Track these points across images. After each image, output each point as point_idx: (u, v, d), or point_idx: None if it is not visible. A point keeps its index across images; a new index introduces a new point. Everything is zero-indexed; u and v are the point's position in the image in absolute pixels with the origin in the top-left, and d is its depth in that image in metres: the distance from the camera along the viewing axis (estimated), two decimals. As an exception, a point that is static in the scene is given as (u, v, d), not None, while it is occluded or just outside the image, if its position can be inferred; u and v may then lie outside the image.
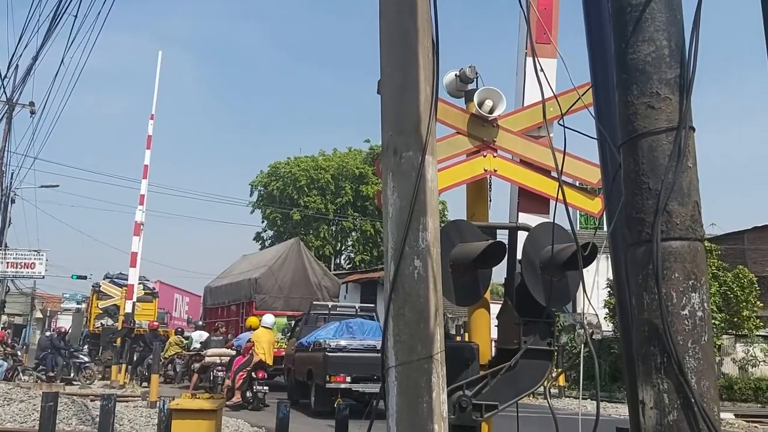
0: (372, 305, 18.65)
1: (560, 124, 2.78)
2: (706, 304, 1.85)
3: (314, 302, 18.13)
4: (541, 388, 5.43)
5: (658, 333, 1.83)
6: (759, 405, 19.57)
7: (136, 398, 15.83)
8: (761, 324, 22.76)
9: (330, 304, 18.36)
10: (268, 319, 15.61)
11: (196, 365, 17.56)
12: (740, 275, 21.98)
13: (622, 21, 2.08)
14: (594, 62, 2.99)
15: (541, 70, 6.12)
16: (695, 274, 1.86)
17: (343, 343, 14.05)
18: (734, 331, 21.40)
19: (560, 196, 3.51)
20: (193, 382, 17.05)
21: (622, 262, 2.58)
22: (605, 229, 3.18)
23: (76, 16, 11.00)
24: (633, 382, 2.34)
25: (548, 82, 2.97)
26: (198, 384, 16.88)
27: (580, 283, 5.43)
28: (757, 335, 22.16)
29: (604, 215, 2.85)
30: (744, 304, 21.53)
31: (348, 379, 13.50)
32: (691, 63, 1.99)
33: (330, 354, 13.78)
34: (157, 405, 6.46)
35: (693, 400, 1.76)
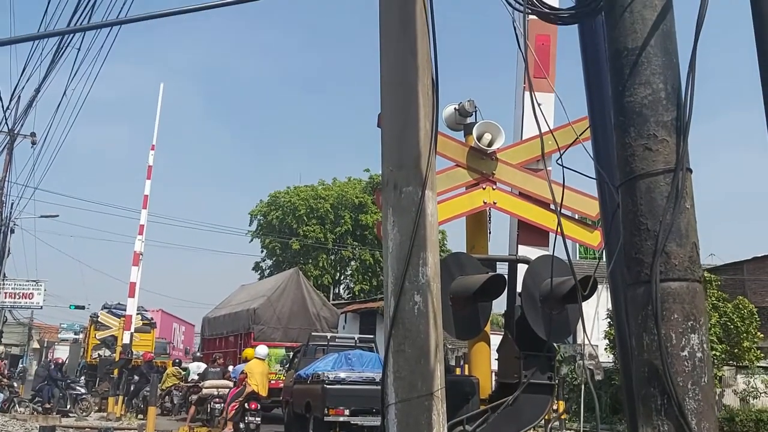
0: (371, 336, 18.52)
1: (558, 163, 2.82)
2: (705, 345, 1.86)
3: (313, 333, 17.99)
4: (542, 422, 5.40)
5: (658, 374, 1.84)
6: (761, 438, 19.34)
7: (132, 431, 15.66)
8: (762, 355, 22.59)
9: (329, 335, 18.21)
10: (261, 350, 15.58)
11: (194, 397, 17.37)
12: (740, 306, 21.87)
13: (619, 64, 2.12)
14: (592, 102, 3.03)
15: (539, 105, 6.19)
16: (694, 315, 1.87)
17: (342, 375, 13.85)
18: (735, 363, 21.22)
19: (559, 231, 3.54)
20: (190, 414, 16.85)
21: (622, 301, 2.59)
22: (605, 263, 3.20)
23: (79, 49, 11.10)
24: (633, 419, 2.34)
25: (545, 118, 3.00)
26: (195, 416, 16.69)
27: (580, 317, 5.43)
28: (758, 366, 21.97)
29: (604, 252, 2.87)
30: (744, 335, 21.38)
31: (347, 412, 13.27)
32: (687, 106, 2.02)
33: (329, 386, 13.57)
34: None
35: (694, 442, 1.76)
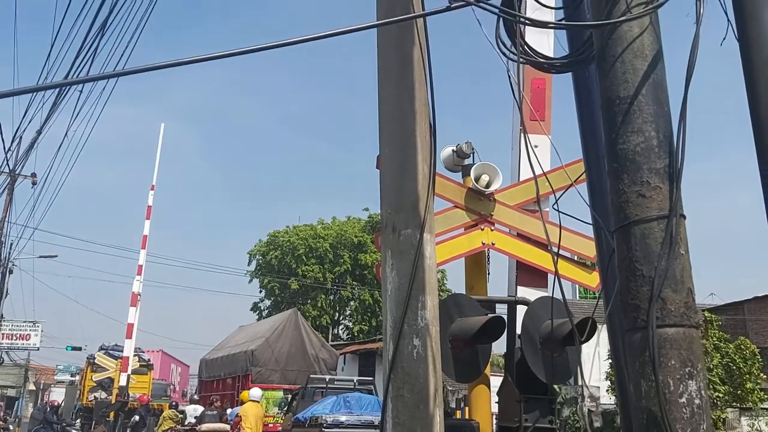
0: (371, 378, 18.35)
1: (554, 209, 2.84)
2: (703, 392, 1.85)
3: (311, 375, 17.84)
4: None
5: (657, 421, 1.83)
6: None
7: (127, 476, 15.39)
8: (766, 396, 22.33)
9: (327, 377, 18.05)
10: (256, 392, 15.65)
11: (189, 439, 17.13)
12: (742, 346, 21.70)
13: (612, 112, 2.16)
14: (586, 146, 3.08)
15: (535, 146, 6.25)
16: (691, 361, 1.88)
17: (341, 418, 13.77)
18: (738, 404, 20.97)
19: (564, 270, 3.55)
20: (187, 459, 16.59)
21: (621, 346, 2.59)
22: (603, 306, 3.20)
23: (81, 91, 11.23)
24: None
25: (539, 161, 3.04)
26: None
27: (583, 356, 5.40)
28: (762, 408, 21.70)
29: (602, 297, 2.88)
30: (747, 376, 21.17)
31: None
32: (679, 153, 2.06)
33: (327, 430, 13.53)
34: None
35: (695, 491, 1.74)
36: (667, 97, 2.16)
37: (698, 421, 1.82)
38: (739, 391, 20.87)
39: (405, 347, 3.42)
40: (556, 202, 2.85)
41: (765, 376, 22.96)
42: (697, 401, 1.84)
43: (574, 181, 2.88)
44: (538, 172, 5.49)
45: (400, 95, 3.66)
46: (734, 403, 21.01)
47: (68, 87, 10.62)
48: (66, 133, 13.78)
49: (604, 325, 3.68)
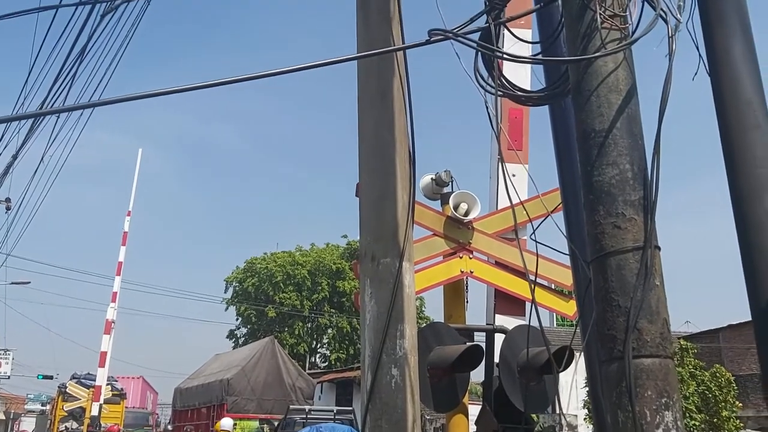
0: (350, 408, 18.29)
1: (532, 239, 2.87)
2: (679, 422, 1.87)
3: (291, 406, 17.78)
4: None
5: (635, 452, 1.84)
6: None
7: None
8: (741, 425, 22.45)
9: (307, 408, 17.98)
10: (226, 422, 15.87)
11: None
12: (717, 374, 21.87)
13: (588, 145, 2.21)
14: (563, 177, 3.13)
15: (513, 175, 6.32)
16: (668, 391, 1.89)
17: None
18: (715, 432, 21.05)
19: (542, 298, 3.57)
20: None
21: (598, 376, 2.61)
22: (580, 335, 3.22)
23: (58, 117, 11.15)
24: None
25: (516, 191, 3.07)
26: None
27: (560, 385, 5.41)
28: (738, 436, 21.81)
29: (579, 326, 2.90)
30: (723, 404, 21.31)
31: None
32: (653, 185, 2.10)
33: None
34: None
35: None
36: (641, 130, 2.21)
37: (675, 453, 1.83)
38: (715, 419, 20.98)
39: (383, 377, 3.40)
40: (534, 231, 2.88)
41: (740, 404, 23.12)
42: (673, 431, 1.85)
43: (552, 211, 2.91)
44: (515, 200, 5.53)
45: (379, 124, 3.69)
46: (710, 431, 21.08)
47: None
48: (42, 159, 13.63)
49: (581, 354, 3.70)
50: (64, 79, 6.80)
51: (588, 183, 2.18)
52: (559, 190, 3.20)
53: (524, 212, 6.29)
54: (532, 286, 2.57)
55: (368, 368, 3.44)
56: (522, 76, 3.84)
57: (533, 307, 3.91)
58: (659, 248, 2.06)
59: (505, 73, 3.07)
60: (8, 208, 26.38)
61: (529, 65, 5.16)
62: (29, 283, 29.23)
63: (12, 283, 28.75)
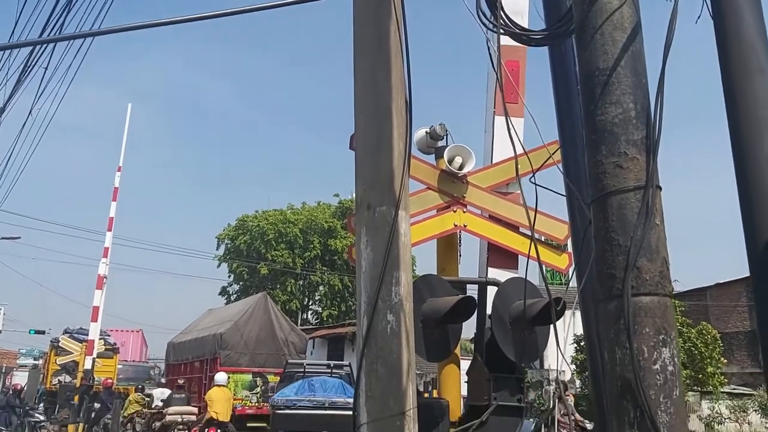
0: (347, 363, 18.66)
1: (531, 182, 2.86)
2: (676, 359, 1.89)
3: (289, 361, 18.13)
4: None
5: (631, 387, 1.86)
6: (725, 463, 19.59)
7: (93, 459, 15.23)
8: (726, 381, 22.96)
9: (305, 362, 18.33)
10: (220, 377, 16.07)
11: (157, 424, 16.99)
12: (704, 332, 22.27)
13: (591, 84, 2.17)
14: (562, 123, 3.10)
15: (514, 129, 6.29)
16: (665, 329, 1.90)
17: (292, 400, 14.52)
18: (699, 388, 21.52)
19: (532, 252, 3.58)
20: (153, 443, 16.47)
21: (593, 317, 2.63)
22: (573, 284, 3.24)
23: (46, 68, 10.94)
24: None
25: (519, 139, 3.05)
26: None
27: (550, 338, 5.47)
28: (722, 392, 22.31)
29: (574, 271, 2.91)
30: (708, 360, 21.75)
31: None
32: (656, 124, 2.08)
33: (277, 412, 14.47)
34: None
35: (666, 455, 1.78)
36: (645, 69, 2.18)
37: (671, 387, 1.85)
38: (700, 375, 21.43)
39: (379, 323, 3.42)
40: (533, 174, 2.86)
41: (725, 361, 23.60)
42: (670, 368, 1.87)
43: (552, 154, 2.89)
44: (515, 150, 5.50)
45: (375, 70, 3.63)
46: (695, 387, 21.55)
47: (34, 62, 10.34)
48: (30, 112, 13.45)
49: (570, 312, 3.73)
50: (52, 28, 6.66)
51: (590, 122, 2.16)
52: (558, 137, 3.18)
53: (520, 165, 6.28)
54: (532, 227, 2.56)
55: (364, 314, 3.46)
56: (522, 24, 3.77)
57: (528, 259, 3.92)
58: (660, 188, 2.05)
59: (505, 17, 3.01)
60: (-4, 163, 26.18)
61: (527, 13, 5.09)
62: (19, 238, 29.16)
63: (2, 239, 28.66)
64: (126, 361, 26.31)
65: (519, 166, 5.46)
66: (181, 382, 18.79)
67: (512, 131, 2.73)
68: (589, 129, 2.17)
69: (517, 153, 2.96)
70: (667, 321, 1.92)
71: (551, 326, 5.39)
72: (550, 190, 2.99)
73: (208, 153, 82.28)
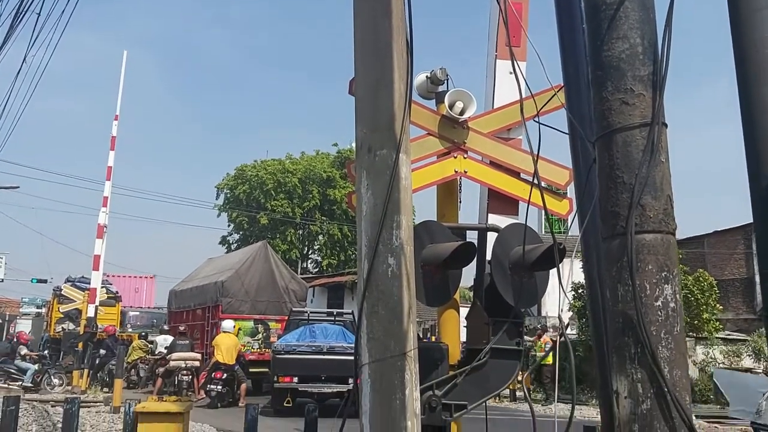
0: (349, 311, 18.97)
1: (536, 121, 2.81)
2: (678, 296, 1.89)
3: (293, 308, 18.46)
4: (518, 392, 5.47)
5: (632, 324, 1.87)
6: (718, 406, 20.01)
7: (98, 403, 15.54)
8: (721, 326, 23.30)
9: (308, 310, 18.65)
10: (227, 324, 16.69)
11: (161, 369, 17.33)
12: (700, 279, 22.49)
13: (597, 19, 2.12)
14: (566, 61, 3.04)
15: (510, 72, 6.19)
16: (668, 266, 1.90)
17: (292, 345, 14.89)
18: (694, 334, 21.84)
19: (535, 197, 3.58)
20: (157, 386, 16.80)
21: (594, 256, 2.63)
22: (573, 228, 3.23)
23: (39, 14, 10.72)
24: (604, 374, 2.39)
25: (525, 80, 2.99)
26: (162, 389, 16.65)
27: (547, 285, 5.51)
28: (716, 338, 22.67)
29: (576, 214, 2.90)
30: (704, 307, 22.02)
31: (295, 379, 14.48)
32: (663, 60, 2.04)
33: (277, 356, 14.87)
34: (122, 408, 6.35)
35: (666, 389, 1.80)
36: (653, 3, 2.12)
37: (672, 323, 1.86)
38: (695, 321, 21.72)
39: (380, 266, 3.43)
40: (537, 114, 2.81)
41: (721, 307, 23.90)
42: (672, 304, 1.87)
43: (554, 95, 2.85)
44: (514, 96, 5.41)
45: (375, 9, 3.55)
46: (690, 333, 21.86)
47: (26, 8, 10.13)
48: (24, 59, 13.24)
49: (568, 258, 3.73)
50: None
51: (596, 58, 2.11)
52: (562, 75, 3.12)
53: (522, 110, 6.20)
54: (536, 162, 2.54)
55: (365, 257, 3.46)
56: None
57: (528, 204, 3.90)
58: (666, 125, 2.02)
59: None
60: (-8, 112, 25.92)
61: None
62: (18, 187, 29.12)
63: (0, 188, 28.63)
64: (141, 307, 26.51)
65: (523, 110, 5.39)
66: (182, 329, 19.09)
67: (513, 75, 2.68)
68: (594, 65, 2.12)
69: (522, 95, 2.91)
70: (669, 258, 1.91)
71: (550, 271, 5.43)
72: (554, 129, 2.95)
73: (206, 102, 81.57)
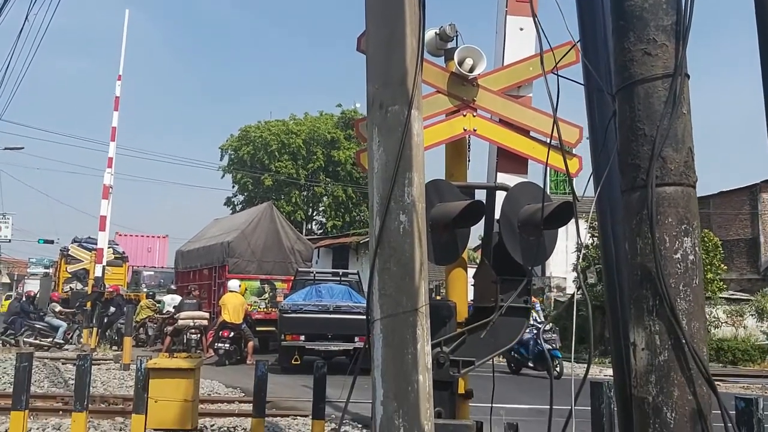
0: (355, 271, 19.11)
1: (555, 73, 2.77)
2: (697, 249, 1.88)
3: (299, 269, 18.61)
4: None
5: (651, 276, 1.87)
6: (720, 365, 20.24)
7: (108, 361, 15.78)
8: (725, 286, 23.41)
9: (314, 270, 18.83)
10: (233, 284, 16.98)
11: (169, 328, 17.56)
12: (705, 239, 22.52)
13: (620, -33, 2.07)
14: (582, 13, 2.98)
15: (520, 29, 6.09)
16: (688, 219, 1.89)
17: (299, 304, 15.09)
18: (698, 294, 21.93)
19: (545, 156, 3.55)
20: (165, 344, 17.04)
21: (608, 210, 2.62)
22: (580, 188, 3.21)
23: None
24: (616, 328, 2.40)
25: (544, 32, 2.93)
26: (170, 347, 16.88)
27: (556, 243, 5.52)
28: (720, 297, 22.80)
29: (591, 175, 2.87)
30: (709, 267, 22.10)
31: (302, 337, 14.79)
32: (687, 10, 1.99)
33: (284, 315, 15.13)
34: (134, 365, 6.44)
35: (684, 340, 1.81)
36: (678, -50, 2.07)
37: (691, 276, 1.86)
38: (699, 281, 21.78)
39: (391, 223, 3.43)
40: (555, 66, 2.77)
41: (725, 267, 23.97)
42: (691, 257, 1.87)
43: (575, 44, 2.80)
44: (524, 54, 5.34)
45: (388, -39, 3.48)
46: (694, 292, 21.92)
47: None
48: (26, 17, 13.08)
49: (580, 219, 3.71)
50: None
51: (618, 8, 2.06)
52: (579, 32, 3.06)
53: (531, 68, 6.12)
54: (555, 126, 2.51)
55: (376, 214, 3.46)
56: None
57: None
58: (689, 76, 1.99)
59: None
60: (-5, 72, 25.74)
61: None
62: (23, 148, 29.10)
63: (5, 149, 28.61)
64: (154, 267, 26.55)
65: (529, 69, 5.33)
66: (195, 292, 19.33)
67: (524, 32, 2.62)
68: (616, 15, 2.08)
69: (534, 52, 2.86)
70: (690, 211, 1.90)
71: (558, 230, 5.43)
72: (572, 80, 2.91)
73: (208, 62, 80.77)
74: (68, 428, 6.56)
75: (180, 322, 16.82)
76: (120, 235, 28.87)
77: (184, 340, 16.62)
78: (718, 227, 28.78)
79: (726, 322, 22.20)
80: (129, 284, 26.20)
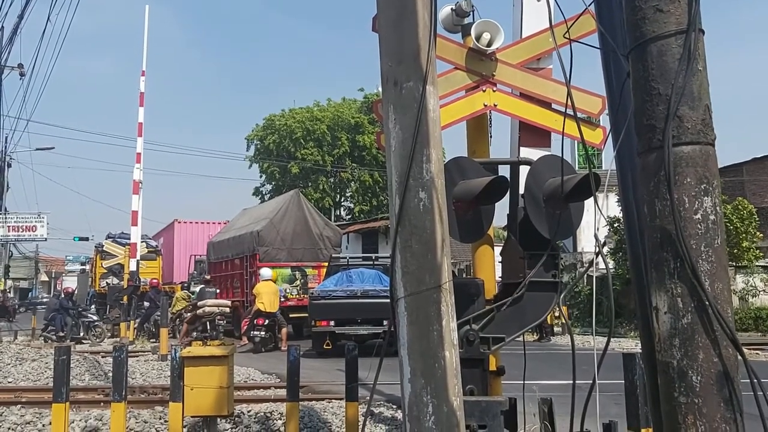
0: (388, 255, 19.22)
1: (565, 37, 2.71)
2: (718, 208, 1.83)
3: (333, 255, 18.84)
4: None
5: (671, 238, 1.82)
6: (759, 333, 19.87)
7: (146, 353, 16.08)
8: (761, 254, 22.93)
9: (348, 256, 19.05)
10: (265, 272, 17.35)
11: (187, 315, 17.64)
12: (740, 207, 22.07)
13: None
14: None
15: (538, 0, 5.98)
16: (707, 178, 1.84)
17: (327, 290, 15.35)
18: (734, 263, 21.56)
19: (568, 128, 3.51)
20: (183, 331, 17.10)
21: (629, 175, 2.57)
22: (606, 161, 3.15)
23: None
24: (642, 293, 2.35)
25: (558, 3, 2.88)
26: (189, 334, 16.86)
27: (582, 216, 5.44)
28: (756, 266, 22.35)
29: (609, 132, 2.81)
30: (744, 235, 21.67)
31: (332, 323, 15.07)
32: (700, -38, 1.93)
33: (313, 302, 15.51)
34: (169, 354, 6.54)
35: (707, 302, 1.76)
36: None
37: (713, 236, 1.81)
38: (735, 250, 21.40)
39: (411, 200, 3.41)
40: (568, 30, 2.71)
41: (761, 235, 23.47)
42: (712, 217, 1.82)
43: (588, 5, 2.73)
44: (544, 24, 5.25)
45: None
46: (731, 262, 21.58)
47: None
48: (48, 18, 13.26)
49: (602, 193, 3.65)
50: None
51: (628, -36, 2.00)
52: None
53: (551, 40, 6.00)
54: (569, 97, 2.46)
55: (396, 193, 3.44)
56: None
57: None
58: (703, 32, 1.92)
59: None
60: (22, 75, 26.19)
61: None
62: (53, 148, 29.64)
63: (37, 149, 29.17)
64: (202, 255, 26.35)
65: (548, 42, 5.22)
66: (208, 278, 19.76)
67: (542, 1, 2.57)
68: (627, -28, 2.02)
69: (549, 22, 2.81)
70: (709, 170, 1.85)
71: (585, 203, 5.36)
72: (587, 44, 2.84)
73: (230, 55, 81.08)
74: (109, 419, 6.71)
75: (206, 309, 16.92)
76: (179, 222, 29.10)
77: (208, 329, 16.67)
78: (752, 194, 28.13)
79: (764, 291, 21.77)
80: (191, 274, 26.23)
